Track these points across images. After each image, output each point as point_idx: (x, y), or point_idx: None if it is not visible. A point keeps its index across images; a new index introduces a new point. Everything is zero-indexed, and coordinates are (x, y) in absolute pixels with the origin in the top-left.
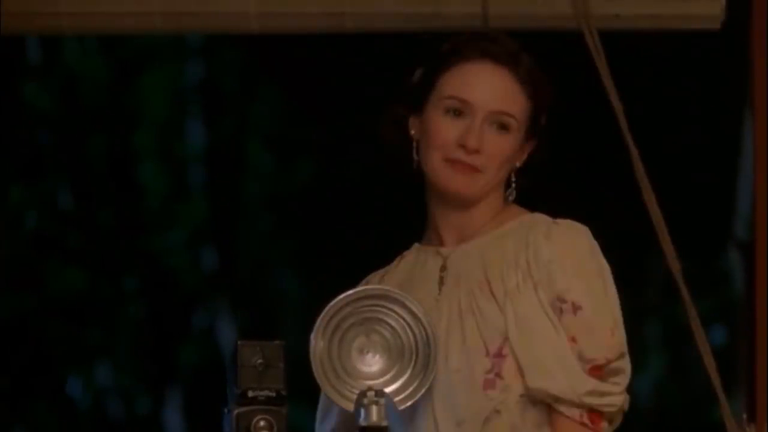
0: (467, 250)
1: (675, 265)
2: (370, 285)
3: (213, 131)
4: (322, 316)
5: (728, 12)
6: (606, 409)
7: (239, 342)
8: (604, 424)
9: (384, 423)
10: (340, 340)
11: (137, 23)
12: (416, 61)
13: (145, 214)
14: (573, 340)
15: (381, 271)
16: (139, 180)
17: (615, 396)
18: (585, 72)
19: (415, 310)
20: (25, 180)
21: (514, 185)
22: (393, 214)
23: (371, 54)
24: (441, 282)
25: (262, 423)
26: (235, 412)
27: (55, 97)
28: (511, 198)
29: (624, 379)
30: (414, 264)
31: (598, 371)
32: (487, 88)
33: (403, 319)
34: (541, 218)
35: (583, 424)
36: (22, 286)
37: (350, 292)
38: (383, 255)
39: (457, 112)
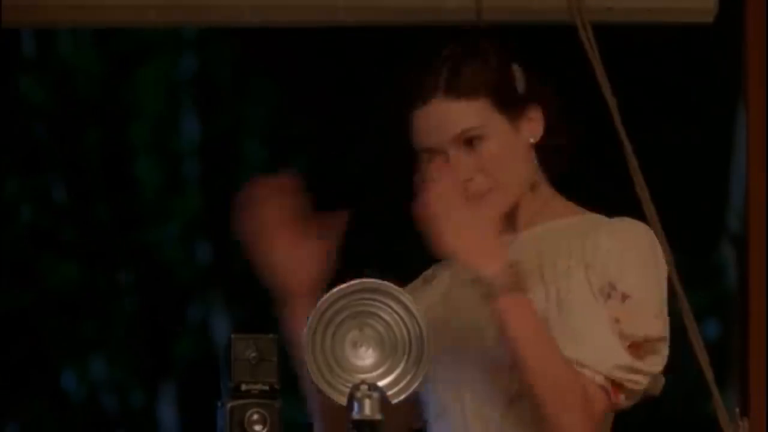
0: (522, 240)
1: (668, 259)
2: (435, 269)
3: (207, 125)
4: (315, 309)
5: (721, 5)
6: (629, 386)
7: (233, 335)
8: (622, 397)
9: (377, 416)
10: (334, 333)
11: (132, 16)
12: (410, 55)
13: (140, 208)
14: (617, 321)
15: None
16: (134, 173)
17: (643, 375)
18: (578, 65)
19: (408, 304)
20: (20, 173)
21: (536, 161)
22: (387, 209)
23: (365, 47)
24: None
25: (255, 416)
26: (229, 405)
27: (50, 91)
28: (539, 176)
29: (659, 362)
30: None
31: (637, 349)
32: (435, 126)
33: (397, 313)
34: (601, 218)
35: (602, 387)
36: (17, 279)
37: (343, 285)
38: (377, 249)
39: (431, 158)
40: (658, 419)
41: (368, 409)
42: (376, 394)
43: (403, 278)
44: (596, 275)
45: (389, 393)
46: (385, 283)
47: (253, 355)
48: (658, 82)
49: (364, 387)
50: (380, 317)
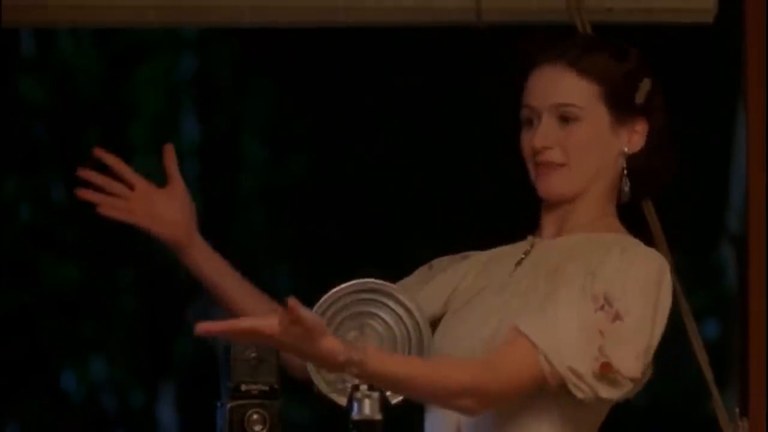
0: (553, 244)
1: (668, 259)
2: (472, 253)
3: (206, 125)
4: (315, 309)
5: (721, 6)
6: (572, 389)
7: None
8: (555, 385)
9: (377, 416)
10: (333, 333)
11: (131, 16)
12: (409, 55)
13: None
14: (600, 333)
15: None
16: (133, 173)
17: (591, 390)
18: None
19: (407, 303)
20: (19, 173)
21: (625, 171)
22: (386, 208)
23: (364, 48)
24: (519, 263)
25: (255, 417)
26: (229, 405)
27: (50, 90)
28: (626, 188)
29: (615, 394)
30: (511, 248)
31: (606, 370)
32: (542, 87)
33: (396, 312)
34: (631, 239)
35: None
36: (16, 279)
37: (343, 285)
38: (376, 248)
39: (529, 121)
40: (657, 419)
41: (368, 410)
42: (375, 394)
43: (402, 278)
44: (595, 283)
45: (388, 393)
46: (384, 283)
47: (253, 355)
48: (658, 81)
49: (363, 387)
50: (380, 317)
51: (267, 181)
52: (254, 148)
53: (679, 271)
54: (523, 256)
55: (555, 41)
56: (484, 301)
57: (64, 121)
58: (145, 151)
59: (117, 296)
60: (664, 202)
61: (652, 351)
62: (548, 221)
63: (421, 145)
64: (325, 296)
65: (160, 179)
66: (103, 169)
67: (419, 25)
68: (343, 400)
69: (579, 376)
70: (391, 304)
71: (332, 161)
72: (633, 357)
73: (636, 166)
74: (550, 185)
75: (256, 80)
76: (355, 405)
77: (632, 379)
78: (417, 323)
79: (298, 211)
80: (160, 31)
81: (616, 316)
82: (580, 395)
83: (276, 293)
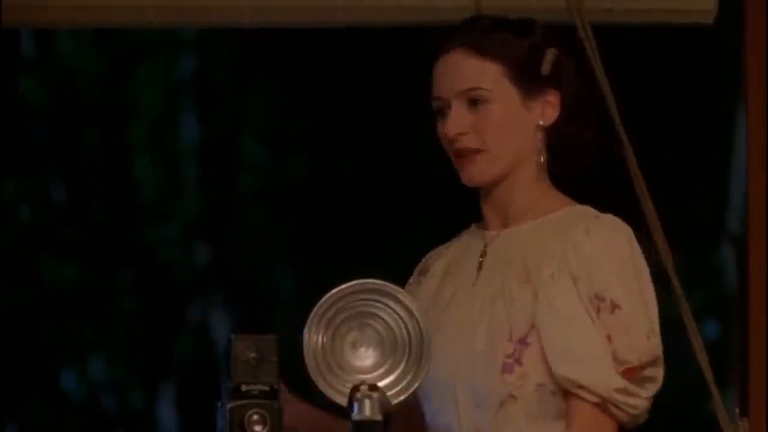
0: (508, 236)
1: (668, 260)
2: (428, 260)
3: (206, 125)
4: (315, 310)
5: (721, 7)
6: (629, 410)
7: (233, 336)
8: (622, 414)
9: (377, 417)
10: (334, 334)
11: (131, 17)
12: (409, 54)
13: (139, 208)
14: (608, 338)
15: (441, 247)
16: (133, 174)
17: (641, 399)
18: (577, 66)
19: (408, 304)
20: (19, 173)
21: (541, 145)
22: (387, 208)
23: (364, 48)
24: (480, 267)
25: (255, 417)
26: (229, 406)
27: (49, 91)
28: (542, 159)
29: (654, 387)
30: (463, 246)
31: (631, 374)
32: (446, 76)
33: (397, 313)
34: (584, 212)
35: (604, 410)
36: (16, 279)
37: (343, 286)
38: (376, 248)
39: (441, 112)
40: (657, 420)
41: (368, 410)
42: (376, 395)
43: (403, 278)
44: (584, 286)
45: (390, 393)
46: (385, 283)
47: (253, 355)
48: (658, 82)
49: (364, 388)
50: (380, 317)
51: (267, 181)
52: (254, 148)
53: (679, 271)
54: (481, 258)
55: (455, 29)
56: (461, 312)
57: (64, 122)
58: (144, 151)
59: (117, 296)
60: (665, 202)
61: (656, 318)
62: (490, 212)
63: (421, 145)
64: (326, 296)
65: (159, 179)
66: (103, 170)
67: (419, 24)
68: (343, 401)
69: (625, 393)
70: (392, 304)
71: (332, 161)
72: (644, 338)
73: (555, 136)
74: (471, 172)
75: (256, 80)
76: (356, 405)
77: (656, 359)
78: (418, 324)
79: (298, 211)
80: (160, 31)
81: (614, 306)
82: (636, 411)
83: (276, 293)
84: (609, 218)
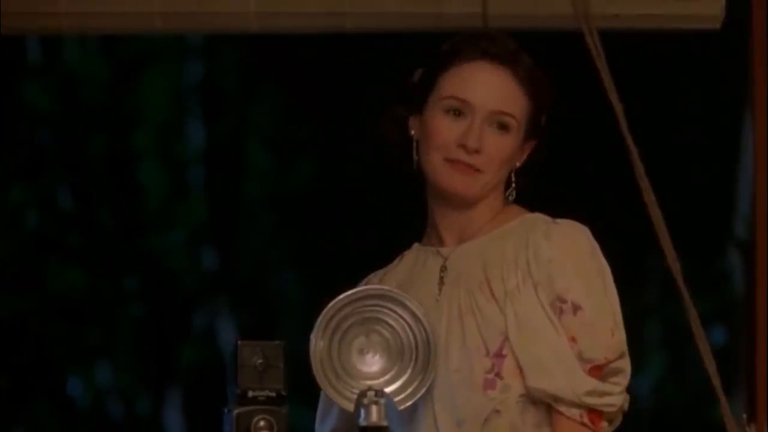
0: (467, 250)
1: (675, 265)
2: (370, 285)
3: (213, 131)
4: (322, 316)
5: (728, 12)
6: (606, 409)
7: (239, 342)
8: (604, 424)
9: (384, 423)
10: (340, 340)
11: (137, 23)
12: (416, 60)
13: (145, 214)
14: (573, 339)
15: (381, 272)
16: (139, 180)
17: (614, 396)
18: (585, 72)
19: (415, 310)
20: (25, 180)
21: (514, 185)
22: (392, 214)
23: (371, 54)
24: (441, 282)
25: (262, 423)
26: (235, 412)
27: (55, 97)
28: (511, 198)
29: (624, 379)
30: (414, 264)
31: (598, 371)
32: (486, 88)
33: (403, 319)
34: (540, 218)
35: (583, 424)
36: (22, 285)
37: (350, 292)
38: (383, 255)
39: (457, 112)
40: (665, 426)
41: (375, 416)
42: (383, 401)
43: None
44: (544, 291)
45: (396, 399)
46: (391, 289)
47: (260, 361)
48: (665, 88)
49: (371, 393)
50: (387, 323)
51: (274, 187)
52: (261, 154)
53: (686, 277)
54: (442, 273)
55: (489, 38)
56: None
57: (69, 128)
58: (151, 157)
59: (123, 303)
60: (672, 208)
61: (619, 314)
62: (447, 228)
63: None
64: (333, 302)
65: (165, 186)
66: (109, 176)
67: (426, 31)
68: (350, 406)
69: (597, 394)
70: (398, 310)
71: (339, 167)
72: (608, 336)
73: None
74: (462, 184)
75: (263, 87)
76: (362, 411)
77: (622, 355)
78: (424, 329)
79: (304, 218)
80: (166, 37)
81: (575, 307)
82: (611, 409)
83: (283, 299)
84: (567, 221)
